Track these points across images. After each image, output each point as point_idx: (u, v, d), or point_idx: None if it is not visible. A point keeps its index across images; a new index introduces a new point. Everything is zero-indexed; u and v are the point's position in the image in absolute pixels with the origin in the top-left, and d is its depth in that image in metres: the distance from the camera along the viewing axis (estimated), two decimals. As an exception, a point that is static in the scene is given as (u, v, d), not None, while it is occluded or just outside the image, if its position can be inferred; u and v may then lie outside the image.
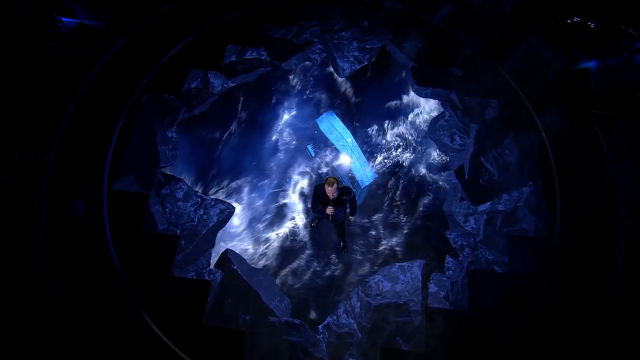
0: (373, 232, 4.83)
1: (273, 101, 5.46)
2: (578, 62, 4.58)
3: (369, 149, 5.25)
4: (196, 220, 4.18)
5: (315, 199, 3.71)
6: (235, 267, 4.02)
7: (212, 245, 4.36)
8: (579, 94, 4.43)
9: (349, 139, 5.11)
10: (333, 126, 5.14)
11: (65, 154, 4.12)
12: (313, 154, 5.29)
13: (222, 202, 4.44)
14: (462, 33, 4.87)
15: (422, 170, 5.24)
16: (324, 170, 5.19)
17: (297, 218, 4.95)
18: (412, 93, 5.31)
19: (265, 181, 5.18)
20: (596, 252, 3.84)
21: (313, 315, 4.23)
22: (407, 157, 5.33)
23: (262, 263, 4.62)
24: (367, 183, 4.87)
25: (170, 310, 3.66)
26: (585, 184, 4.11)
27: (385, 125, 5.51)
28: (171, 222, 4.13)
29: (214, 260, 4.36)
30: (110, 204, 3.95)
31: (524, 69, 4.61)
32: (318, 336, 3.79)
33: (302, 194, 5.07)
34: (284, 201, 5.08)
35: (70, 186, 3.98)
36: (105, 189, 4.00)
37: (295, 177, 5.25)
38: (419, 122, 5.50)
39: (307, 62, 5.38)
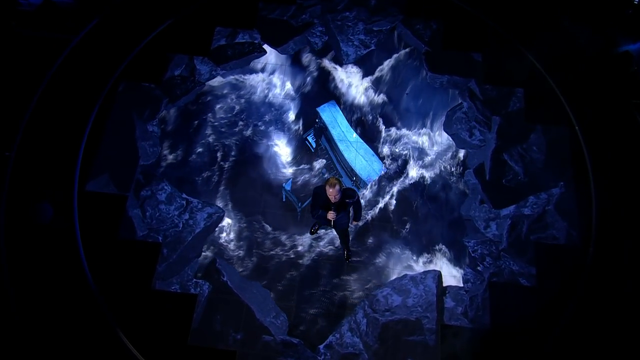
0: (381, 239, 4.63)
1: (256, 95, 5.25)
2: (618, 45, 4.36)
3: (373, 147, 5.05)
4: (181, 225, 4.05)
5: (315, 202, 3.56)
6: (225, 279, 3.91)
7: (199, 254, 4.22)
8: (618, 81, 4.24)
9: (353, 134, 4.91)
10: (335, 120, 4.93)
11: (29, 150, 3.94)
12: (314, 145, 5.10)
13: (211, 205, 4.30)
14: (483, 12, 4.65)
15: (437, 169, 5.03)
16: (319, 167, 4.99)
17: (295, 223, 4.74)
18: (425, 81, 5.09)
19: (258, 181, 4.96)
20: (638, 262, 3.62)
21: (313, 333, 4.09)
22: (418, 154, 5.11)
23: (255, 274, 4.42)
24: (375, 177, 4.70)
25: (150, 328, 3.51)
26: (625, 184, 3.91)
27: (392, 120, 5.30)
28: (152, 227, 3.99)
29: (200, 271, 4.20)
30: (82, 207, 3.79)
31: (555, 52, 4.40)
32: (319, 357, 3.67)
33: (303, 195, 4.86)
34: (281, 204, 4.86)
35: (36, 187, 3.82)
36: (76, 190, 3.83)
37: (293, 177, 5.03)
38: (433, 116, 5.26)
39: (306, 47, 5.19)
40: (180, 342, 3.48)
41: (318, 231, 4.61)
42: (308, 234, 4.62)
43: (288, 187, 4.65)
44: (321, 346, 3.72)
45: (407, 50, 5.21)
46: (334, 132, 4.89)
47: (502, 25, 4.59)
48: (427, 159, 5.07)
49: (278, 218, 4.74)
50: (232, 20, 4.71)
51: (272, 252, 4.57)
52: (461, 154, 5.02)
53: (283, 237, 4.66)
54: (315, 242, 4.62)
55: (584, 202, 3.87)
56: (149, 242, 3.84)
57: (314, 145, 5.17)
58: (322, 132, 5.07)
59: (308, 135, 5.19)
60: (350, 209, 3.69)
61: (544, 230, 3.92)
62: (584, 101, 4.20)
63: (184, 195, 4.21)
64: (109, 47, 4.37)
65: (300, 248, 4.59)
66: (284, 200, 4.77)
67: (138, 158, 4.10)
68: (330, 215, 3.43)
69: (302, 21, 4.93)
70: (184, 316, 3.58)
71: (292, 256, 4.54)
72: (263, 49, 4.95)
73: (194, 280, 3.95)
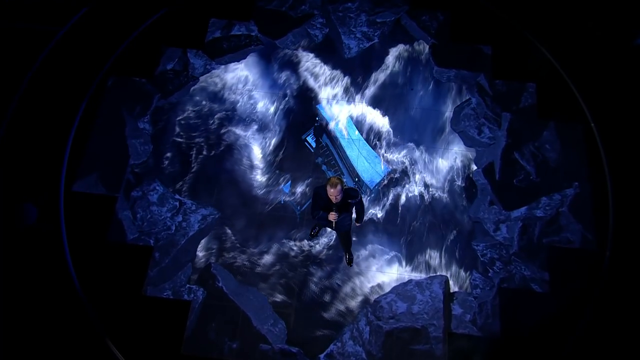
0: (383, 243, 4.54)
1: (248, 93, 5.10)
2: (636, 36, 4.30)
3: (375, 147, 4.95)
4: (173, 228, 3.99)
5: (315, 203, 3.46)
6: (220, 284, 3.85)
7: (193, 258, 4.15)
8: (636, 75, 4.17)
9: (355, 131, 4.83)
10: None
11: (13, 148, 3.90)
12: (314, 145, 5.00)
13: (205, 206, 4.21)
14: (493, 3, 4.62)
15: (443, 169, 4.92)
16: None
17: (294, 225, 4.65)
18: (433, 78, 4.99)
19: (258, 182, 4.86)
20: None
21: (313, 341, 3.99)
22: (423, 153, 5.00)
23: (252, 279, 4.34)
24: (378, 179, 4.61)
25: (141, 336, 3.47)
26: (643, 185, 3.88)
27: (396, 117, 5.18)
28: (143, 230, 3.94)
29: (194, 276, 4.13)
30: (69, 209, 3.76)
31: (569, 44, 4.34)
32: (319, 367, 3.63)
33: (304, 196, 4.77)
34: (279, 205, 4.77)
35: (20, 187, 3.77)
36: (63, 191, 3.80)
37: (296, 178, 4.94)
38: (439, 113, 5.15)
39: (305, 39, 5.09)
40: (173, 351, 3.45)
41: (318, 234, 4.52)
42: (307, 237, 4.53)
43: (287, 190, 4.58)
44: (322, 355, 3.66)
45: (407, 47, 5.12)
46: (336, 128, 4.81)
47: (513, 16, 4.53)
48: (430, 161, 4.97)
49: (275, 221, 4.65)
50: (227, 11, 4.68)
51: (270, 255, 4.48)
52: (467, 154, 4.94)
53: (281, 240, 4.57)
54: (315, 245, 4.54)
55: (599, 203, 3.83)
56: (140, 246, 3.80)
57: (313, 145, 5.08)
58: (323, 130, 4.99)
59: (307, 136, 5.11)
60: (353, 210, 3.60)
61: (558, 233, 3.87)
62: (600, 96, 4.15)
63: (177, 197, 4.15)
64: (98, 39, 4.33)
65: (299, 251, 4.50)
66: (282, 203, 4.70)
67: (128, 157, 4.05)
68: (332, 216, 3.34)
69: (302, 12, 4.87)
70: (177, 324, 3.56)
71: (291, 260, 4.45)
72: (260, 41, 4.88)
73: (188, 285, 3.89)
